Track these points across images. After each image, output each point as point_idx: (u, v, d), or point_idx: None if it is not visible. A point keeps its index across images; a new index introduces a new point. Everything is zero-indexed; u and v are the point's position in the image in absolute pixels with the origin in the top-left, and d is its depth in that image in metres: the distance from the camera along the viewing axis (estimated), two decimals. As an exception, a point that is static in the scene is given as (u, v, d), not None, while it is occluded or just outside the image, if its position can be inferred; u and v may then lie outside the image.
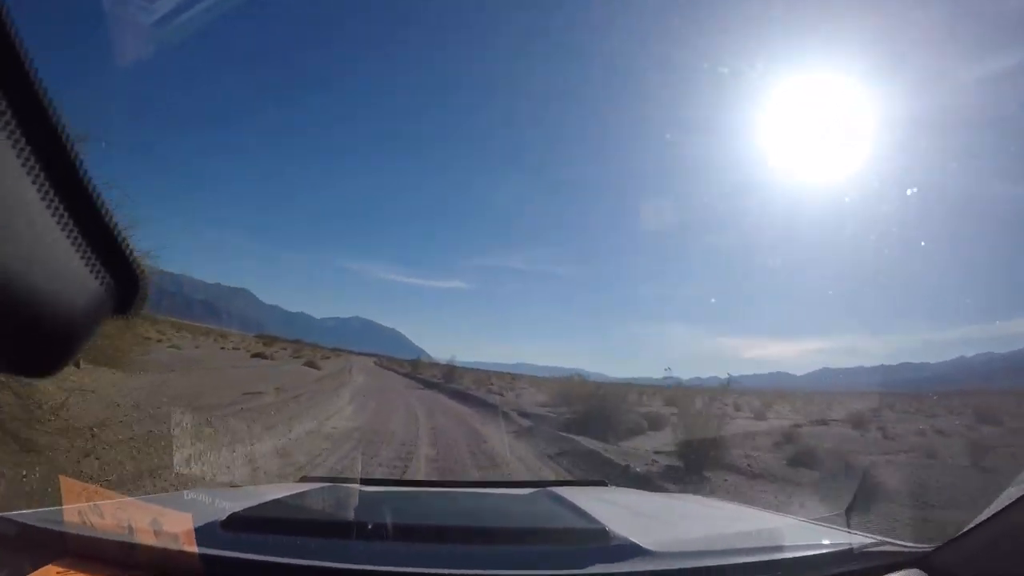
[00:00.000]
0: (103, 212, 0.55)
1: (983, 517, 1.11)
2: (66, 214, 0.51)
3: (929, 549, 1.16)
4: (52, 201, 0.50)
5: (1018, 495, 1.07)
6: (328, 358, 47.40)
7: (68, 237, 0.51)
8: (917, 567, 1.13)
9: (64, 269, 0.52)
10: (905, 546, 1.21)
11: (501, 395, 19.20)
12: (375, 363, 53.85)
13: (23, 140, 0.47)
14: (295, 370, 18.82)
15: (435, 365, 34.06)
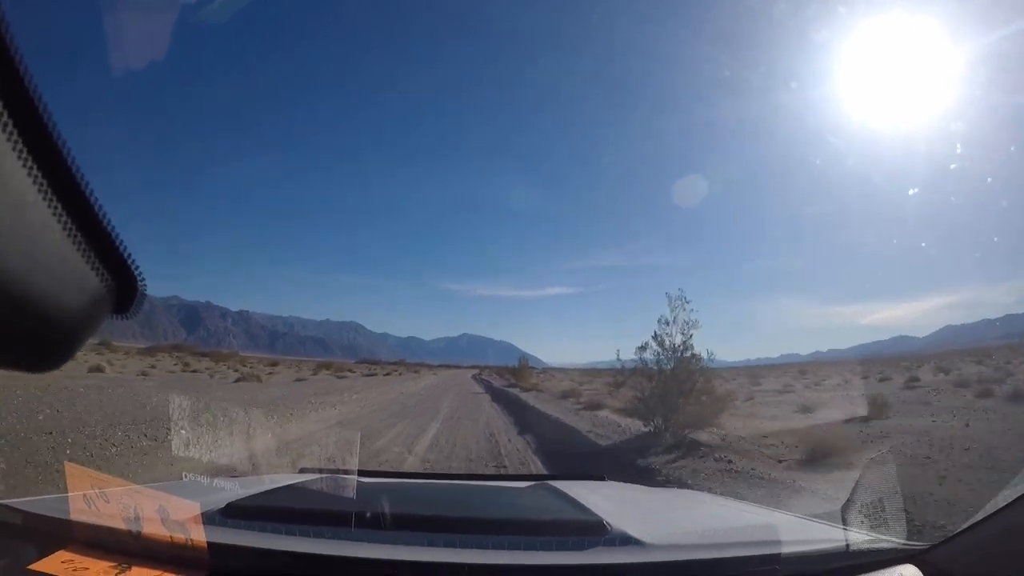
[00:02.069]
0: (99, 213, 0.55)
1: (979, 516, 1.12)
2: (65, 214, 0.51)
3: (925, 547, 1.17)
4: (51, 201, 0.50)
5: (1014, 496, 1.08)
6: (390, 374, 40.25)
7: (68, 235, 0.52)
8: (912, 564, 1.13)
9: (64, 266, 0.52)
10: (901, 543, 1.20)
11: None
12: (472, 376, 53.66)
13: (20, 142, 0.47)
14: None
15: (548, 373, 25.54)
